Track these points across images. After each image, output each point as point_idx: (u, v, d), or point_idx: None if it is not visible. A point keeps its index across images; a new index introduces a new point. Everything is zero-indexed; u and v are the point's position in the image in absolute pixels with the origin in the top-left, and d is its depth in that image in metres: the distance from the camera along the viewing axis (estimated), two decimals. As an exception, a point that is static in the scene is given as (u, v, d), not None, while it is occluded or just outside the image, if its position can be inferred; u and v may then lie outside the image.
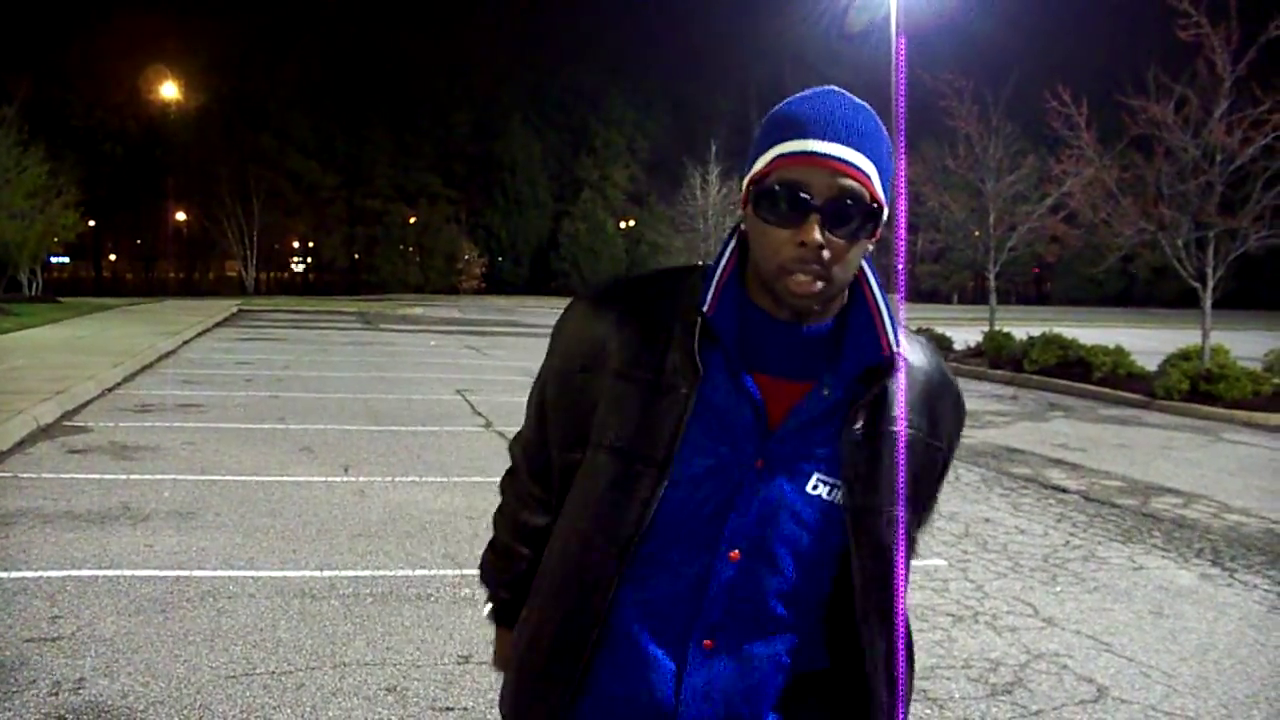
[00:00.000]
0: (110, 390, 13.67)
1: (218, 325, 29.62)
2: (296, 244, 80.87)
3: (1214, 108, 15.32)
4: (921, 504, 1.60)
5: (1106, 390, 16.24)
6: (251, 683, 4.40)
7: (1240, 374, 14.52)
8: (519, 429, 1.81)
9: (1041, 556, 6.82)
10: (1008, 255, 22.17)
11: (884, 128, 1.48)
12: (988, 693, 4.54)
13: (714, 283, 1.51)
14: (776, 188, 1.42)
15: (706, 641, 1.51)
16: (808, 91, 1.49)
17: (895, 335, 1.51)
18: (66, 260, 66.28)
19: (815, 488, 1.50)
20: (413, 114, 74.20)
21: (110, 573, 5.84)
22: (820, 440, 1.50)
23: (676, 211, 51.52)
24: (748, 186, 1.48)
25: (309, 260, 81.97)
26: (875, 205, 1.44)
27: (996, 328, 21.17)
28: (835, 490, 1.50)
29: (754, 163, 1.48)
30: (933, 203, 23.19)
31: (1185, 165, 15.73)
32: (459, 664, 4.67)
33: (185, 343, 22.51)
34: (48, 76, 54.64)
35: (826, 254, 1.41)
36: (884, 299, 1.54)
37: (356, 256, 78.08)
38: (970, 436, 11.88)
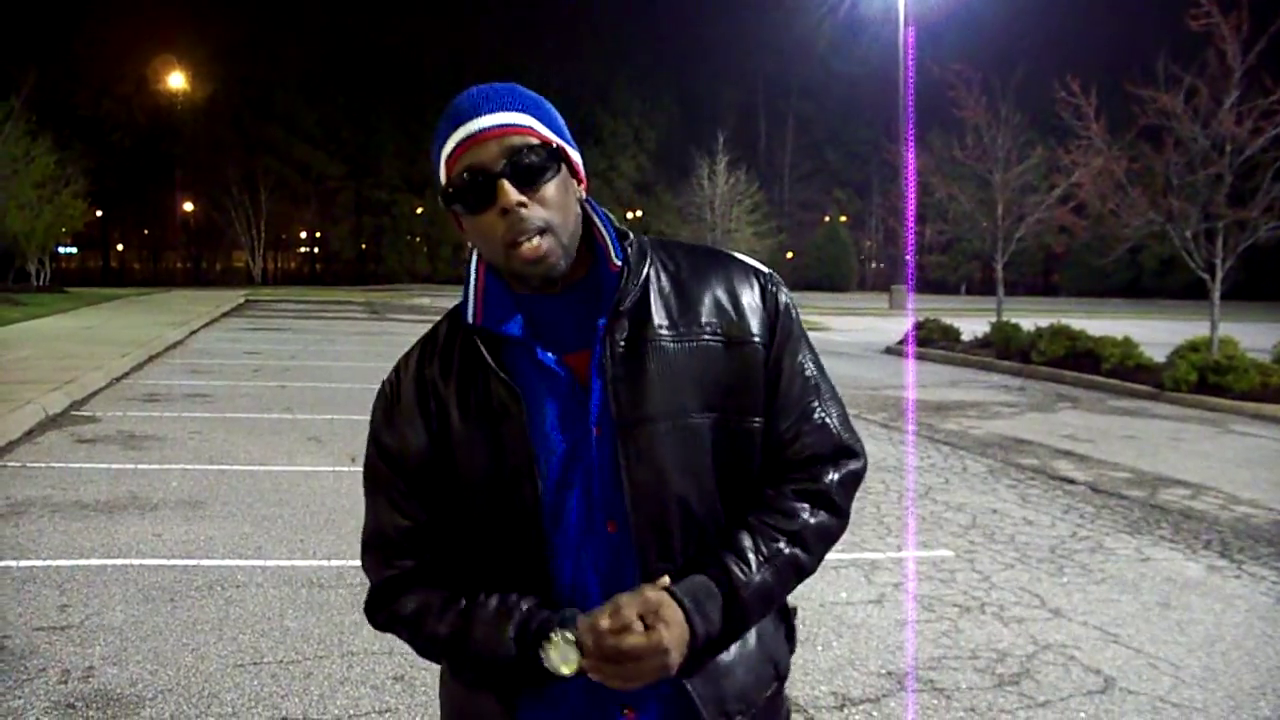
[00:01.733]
0: (118, 380, 13.71)
1: (225, 315, 29.68)
2: (304, 234, 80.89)
3: (1224, 98, 15.25)
4: (762, 396, 1.58)
5: (1115, 381, 16.20)
6: (260, 671, 4.41)
7: (1249, 365, 14.47)
8: (365, 540, 1.68)
9: (1049, 547, 6.81)
10: (1016, 246, 22.10)
11: (536, 95, 1.57)
12: (995, 683, 4.54)
13: (470, 296, 1.58)
14: (460, 180, 1.48)
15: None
16: (453, 103, 1.56)
17: (617, 249, 1.55)
18: (74, 251, 66.34)
19: None
20: (420, 104, 74.07)
21: (119, 562, 5.87)
22: None
23: (684, 202, 51.49)
24: (446, 202, 1.53)
25: (316, 250, 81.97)
26: (551, 146, 1.51)
27: (1004, 319, 21.12)
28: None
29: (439, 181, 1.53)
30: (940, 193, 23.13)
31: (1195, 156, 15.66)
32: (466, 653, 4.67)
33: (193, 333, 22.56)
34: (55, 67, 54.62)
35: (532, 210, 1.46)
36: (608, 229, 1.58)
37: (364, 246, 78.13)
38: (978, 427, 11.87)
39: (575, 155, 1.57)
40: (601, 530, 1.52)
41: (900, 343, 22.90)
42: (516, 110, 1.51)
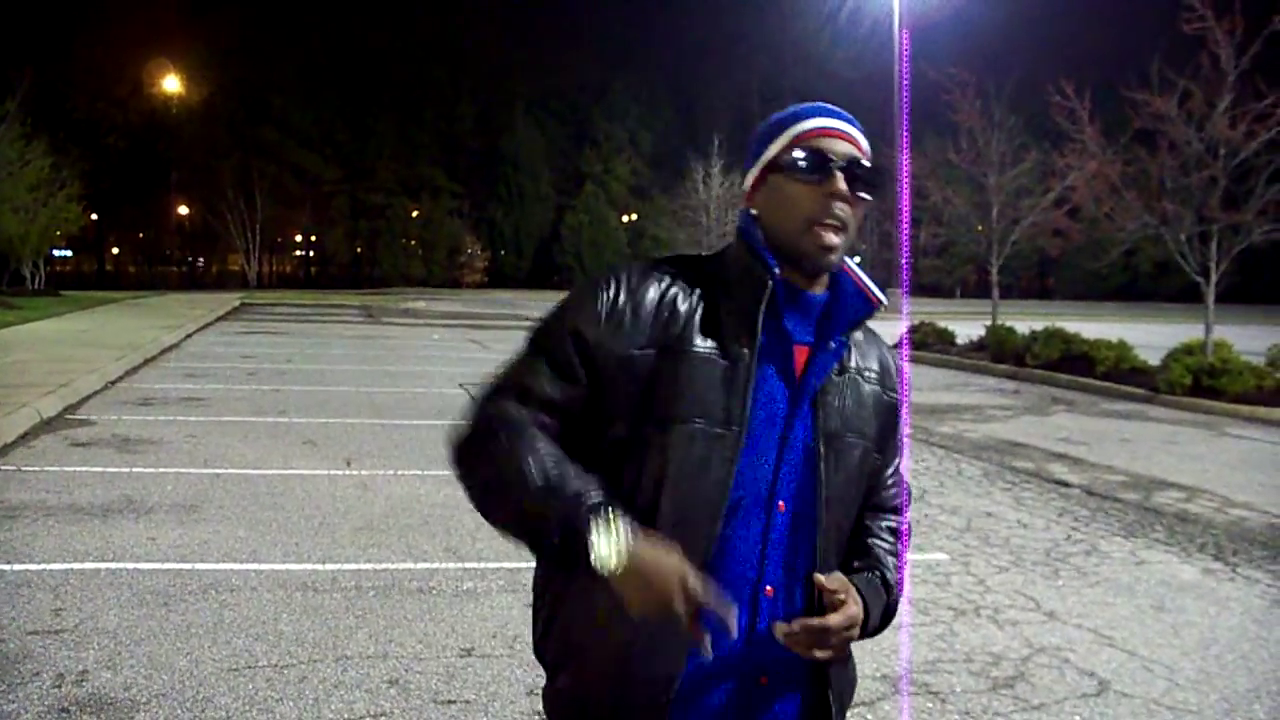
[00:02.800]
0: (113, 384, 13.69)
1: (220, 319, 29.65)
2: (299, 237, 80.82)
3: (1218, 101, 15.29)
4: (888, 446, 1.86)
5: (1109, 385, 16.23)
6: (254, 675, 4.41)
7: (1243, 368, 14.50)
8: (501, 382, 1.72)
9: (1043, 551, 6.82)
10: (1010, 249, 22.12)
11: None
12: (989, 686, 4.54)
13: (766, 251, 1.68)
14: (802, 154, 1.66)
15: (768, 588, 1.68)
16: (794, 105, 1.77)
17: (878, 292, 1.75)
18: (69, 254, 66.29)
19: None
20: (416, 107, 74.12)
21: (113, 565, 5.86)
22: None
23: (679, 205, 51.43)
24: (762, 170, 1.71)
25: (311, 254, 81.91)
26: (880, 174, 1.72)
27: (999, 322, 21.14)
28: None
29: (763, 153, 1.72)
30: (935, 197, 23.13)
31: (1189, 159, 15.70)
32: (461, 657, 4.67)
33: (188, 336, 22.54)
34: (50, 70, 54.49)
35: (846, 207, 1.66)
36: (861, 271, 1.77)
37: (359, 250, 78.07)
38: (973, 430, 11.88)
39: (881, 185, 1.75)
40: (774, 505, 1.68)
41: (895, 346, 22.60)
42: (863, 135, 1.72)
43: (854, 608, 1.64)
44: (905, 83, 25.80)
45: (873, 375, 1.82)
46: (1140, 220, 16.52)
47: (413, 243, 75.96)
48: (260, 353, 19.16)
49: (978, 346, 21.16)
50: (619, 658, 1.63)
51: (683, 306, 1.68)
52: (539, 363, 1.68)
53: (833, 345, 1.72)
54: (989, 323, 21.49)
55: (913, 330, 23.17)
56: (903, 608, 5.35)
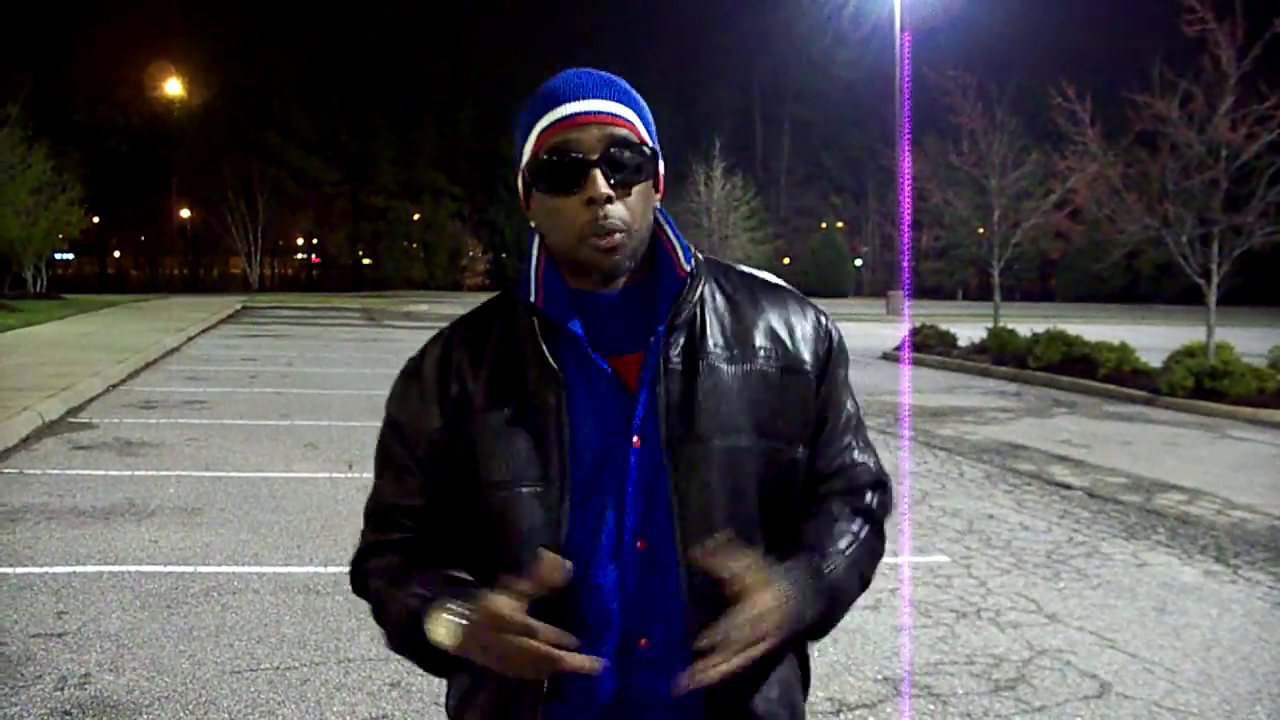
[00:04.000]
0: (115, 387, 13.71)
1: (222, 322, 29.68)
2: (301, 240, 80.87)
3: (1219, 104, 15.27)
4: (809, 427, 1.56)
5: (1111, 387, 16.22)
6: (256, 678, 4.41)
7: (1245, 370, 14.49)
8: (367, 512, 1.63)
9: (1045, 553, 6.82)
10: (1012, 252, 22.12)
11: (638, 95, 1.52)
12: (991, 688, 4.54)
13: (531, 276, 1.50)
14: (550, 158, 1.44)
15: (641, 640, 1.46)
16: (553, 79, 1.51)
17: (687, 256, 1.51)
18: (71, 257, 66.34)
19: None
20: (417, 110, 74.20)
21: (115, 568, 5.86)
22: None
23: (680, 208, 51.40)
24: (523, 177, 1.50)
25: (313, 256, 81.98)
26: (647, 148, 1.47)
27: (1000, 324, 21.14)
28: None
29: (521, 154, 1.50)
30: (936, 199, 23.15)
31: (1190, 161, 15.68)
32: (463, 659, 4.67)
33: (190, 339, 22.56)
34: (51, 74, 54.71)
35: (616, 206, 1.42)
36: (678, 237, 1.53)
37: (361, 253, 78.15)
38: (974, 433, 11.88)
39: (661, 164, 1.52)
40: (630, 547, 1.45)
41: (896, 348, 22.89)
42: (621, 103, 1.48)
43: (764, 597, 1.34)
44: (906, 85, 25.83)
45: (744, 351, 1.52)
46: (1141, 222, 16.51)
47: (414, 245, 76.01)
48: (262, 356, 19.18)
49: (979, 349, 21.15)
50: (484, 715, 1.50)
51: (469, 365, 1.52)
52: (383, 474, 1.59)
53: (652, 340, 1.46)
54: (990, 325, 21.48)
55: (914, 333, 23.15)
56: (904, 610, 5.34)
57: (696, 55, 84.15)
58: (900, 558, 6.65)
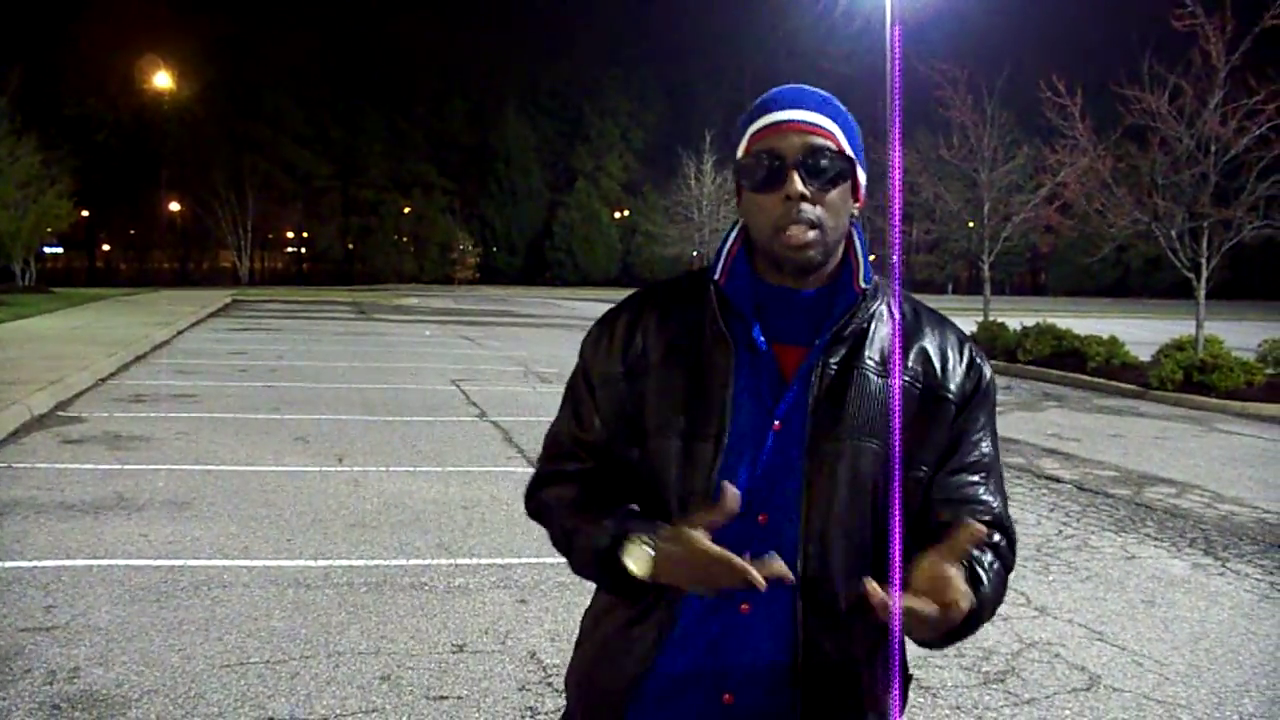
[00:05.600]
0: (104, 380, 13.66)
1: (212, 315, 29.60)
2: (291, 234, 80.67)
3: (1209, 98, 15.32)
4: (937, 452, 1.64)
5: (1101, 380, 16.27)
6: (246, 672, 4.40)
7: (1234, 364, 14.55)
8: (546, 441, 1.81)
9: (1035, 546, 6.83)
10: (1002, 245, 22.19)
11: (847, 112, 1.67)
12: (980, 681, 4.56)
13: (722, 256, 1.68)
14: (755, 158, 1.60)
15: (744, 605, 1.58)
16: (769, 92, 1.69)
17: (867, 274, 1.65)
18: (60, 250, 65.94)
19: None
20: (407, 103, 74.08)
21: (105, 562, 5.85)
22: None
23: (671, 201, 51.51)
24: (736, 173, 1.65)
25: (303, 250, 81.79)
26: (845, 156, 1.61)
27: (991, 318, 21.20)
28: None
29: (737, 153, 1.66)
30: (927, 193, 23.18)
31: (1180, 155, 15.73)
32: (453, 653, 4.67)
33: (179, 333, 22.49)
34: (40, 66, 54.38)
35: (811, 205, 1.57)
36: (864, 256, 1.67)
37: (351, 246, 78.02)
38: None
39: (863, 175, 1.66)
40: (752, 517, 1.56)
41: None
42: (826, 116, 1.62)
43: (960, 585, 1.39)
44: (897, 78, 25.72)
45: (898, 368, 1.63)
46: (1131, 216, 16.56)
47: (404, 239, 75.93)
48: (252, 349, 19.13)
49: (970, 342, 21.16)
50: (597, 652, 1.70)
51: (655, 326, 1.68)
52: (565, 408, 1.78)
53: (817, 341, 1.61)
54: (981, 319, 21.53)
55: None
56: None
57: (688, 49, 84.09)
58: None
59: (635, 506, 1.64)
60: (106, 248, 79.73)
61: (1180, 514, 7.87)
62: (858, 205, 1.66)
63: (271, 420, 10.88)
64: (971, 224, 23.36)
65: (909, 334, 1.67)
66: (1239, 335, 20.21)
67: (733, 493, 1.43)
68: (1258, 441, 11.55)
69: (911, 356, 1.65)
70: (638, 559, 1.53)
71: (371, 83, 73.16)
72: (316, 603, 5.29)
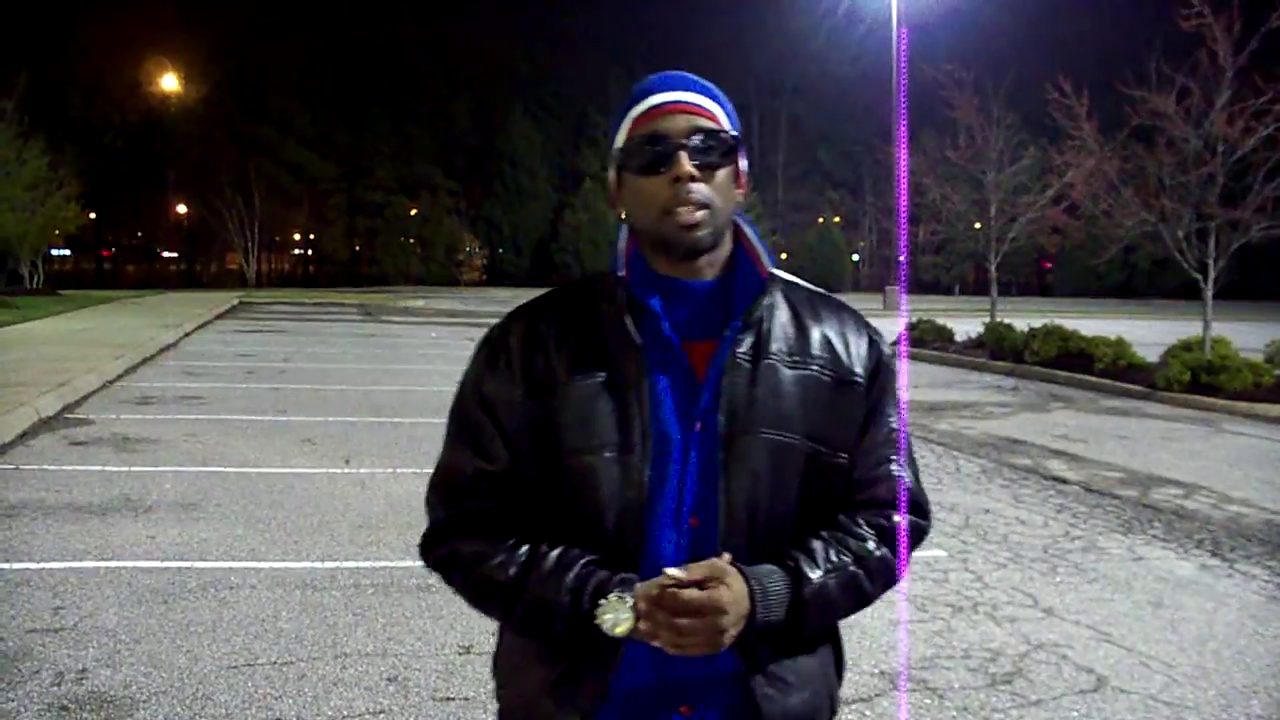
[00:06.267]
0: (112, 382, 13.69)
1: (219, 317, 29.65)
2: (297, 236, 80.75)
3: (1216, 98, 15.29)
4: (853, 435, 1.65)
5: (1107, 381, 16.23)
6: (253, 673, 4.41)
7: (1241, 365, 14.51)
8: (433, 486, 1.69)
9: (1041, 547, 6.82)
10: (1009, 246, 22.14)
11: (727, 98, 1.66)
12: (987, 682, 4.55)
13: (620, 257, 1.63)
14: (640, 142, 1.58)
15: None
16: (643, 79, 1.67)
17: (769, 262, 1.64)
18: (67, 253, 66.18)
19: None
20: (413, 105, 74.11)
21: (112, 564, 5.86)
22: None
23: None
24: (615, 164, 1.64)
25: (309, 252, 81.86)
26: (731, 136, 1.61)
27: (998, 319, 21.16)
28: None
29: (614, 145, 1.65)
30: (934, 194, 23.14)
31: (1187, 156, 15.70)
32: (460, 654, 4.68)
33: (186, 335, 22.54)
34: (47, 69, 54.50)
35: (699, 185, 1.55)
36: (760, 243, 1.65)
37: (357, 248, 78.07)
38: (971, 428, 11.89)
39: (744, 162, 1.65)
40: (685, 521, 1.56)
41: (893, 344, 22.56)
42: (709, 98, 1.62)
43: (722, 591, 1.43)
44: (903, 80, 25.78)
45: (803, 357, 1.63)
46: (1138, 217, 16.53)
47: (411, 241, 75.92)
48: (259, 351, 19.16)
49: (976, 344, 21.16)
50: (543, 686, 1.60)
51: (554, 340, 1.61)
52: (461, 442, 1.66)
53: (727, 333, 1.59)
54: (987, 320, 21.51)
55: (911, 327, 23.18)
56: (900, 604, 5.36)
57: (692, 50, 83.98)
58: (897, 552, 6.65)
59: (583, 553, 1.54)
60: (113, 250, 79.84)
61: (1187, 515, 7.85)
62: (741, 193, 1.65)
63: (278, 422, 10.89)
64: (978, 225, 23.34)
65: (809, 321, 1.67)
66: (1246, 336, 20.17)
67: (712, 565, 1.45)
68: (1265, 443, 11.52)
69: (816, 344, 1.65)
70: (621, 619, 1.45)
71: (377, 85, 73.19)
72: (324, 604, 5.30)
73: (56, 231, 41.27)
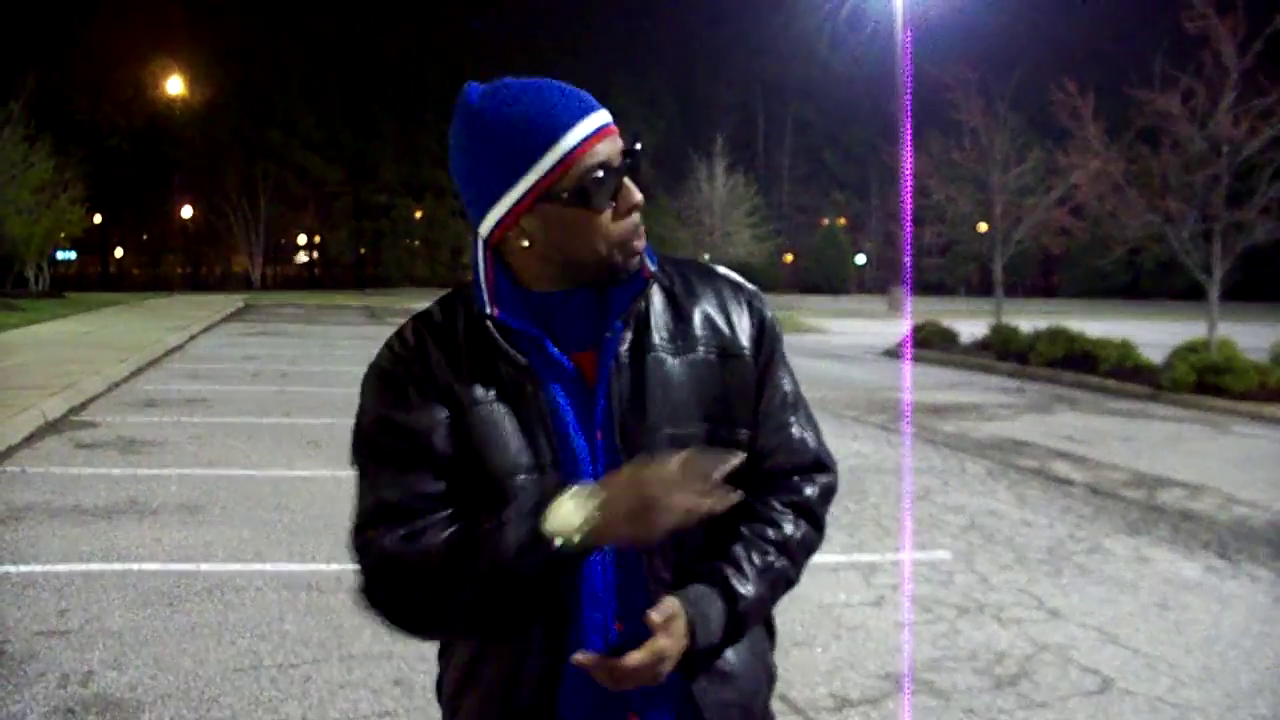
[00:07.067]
0: (117, 385, 13.72)
1: (224, 320, 29.70)
2: (303, 239, 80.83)
3: (1221, 99, 15.27)
4: (750, 408, 1.63)
5: (1113, 383, 16.22)
6: (259, 675, 4.42)
7: (1247, 366, 14.48)
8: (359, 525, 1.58)
9: (1047, 549, 6.82)
10: (1014, 248, 22.13)
11: None
12: (993, 684, 4.55)
13: (482, 287, 1.55)
14: (588, 173, 1.46)
15: (617, 625, 1.54)
16: (514, 94, 1.51)
17: (652, 258, 1.57)
18: (73, 256, 66.24)
19: None
20: (418, 108, 74.14)
21: (118, 566, 5.87)
22: None
23: (682, 205, 51.50)
24: (533, 199, 1.47)
25: (315, 255, 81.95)
26: (636, 151, 1.53)
27: (1003, 320, 21.14)
28: None
29: (515, 183, 1.48)
30: (939, 196, 23.14)
31: (1192, 157, 15.69)
32: (465, 656, 4.67)
33: (192, 338, 22.57)
34: (53, 72, 54.56)
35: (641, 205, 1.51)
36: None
37: (363, 251, 78.11)
38: (977, 429, 11.88)
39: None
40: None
41: (898, 345, 22.87)
42: (605, 110, 1.53)
43: (664, 641, 1.43)
44: (908, 82, 25.75)
45: (686, 342, 1.59)
46: (1144, 218, 16.51)
47: (416, 243, 75.98)
48: (264, 354, 19.19)
49: (981, 345, 21.14)
50: (487, 708, 1.57)
51: (447, 363, 1.55)
52: (380, 474, 1.56)
53: (608, 335, 1.54)
54: (993, 321, 21.48)
55: (916, 329, 23.14)
56: (905, 606, 5.33)
57: (698, 53, 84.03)
58: (902, 554, 6.66)
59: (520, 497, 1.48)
60: (119, 253, 79.95)
61: (1193, 517, 7.84)
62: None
63: (284, 424, 10.91)
64: (983, 226, 23.34)
65: (686, 303, 1.62)
66: (1252, 337, 20.11)
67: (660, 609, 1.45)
68: (1271, 444, 11.50)
69: (697, 325, 1.61)
70: (570, 514, 1.38)
71: (383, 88, 73.30)
72: (329, 606, 5.31)
73: (62, 234, 41.39)
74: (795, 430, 1.67)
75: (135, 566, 5.89)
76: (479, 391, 1.53)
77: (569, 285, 1.54)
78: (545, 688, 1.53)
